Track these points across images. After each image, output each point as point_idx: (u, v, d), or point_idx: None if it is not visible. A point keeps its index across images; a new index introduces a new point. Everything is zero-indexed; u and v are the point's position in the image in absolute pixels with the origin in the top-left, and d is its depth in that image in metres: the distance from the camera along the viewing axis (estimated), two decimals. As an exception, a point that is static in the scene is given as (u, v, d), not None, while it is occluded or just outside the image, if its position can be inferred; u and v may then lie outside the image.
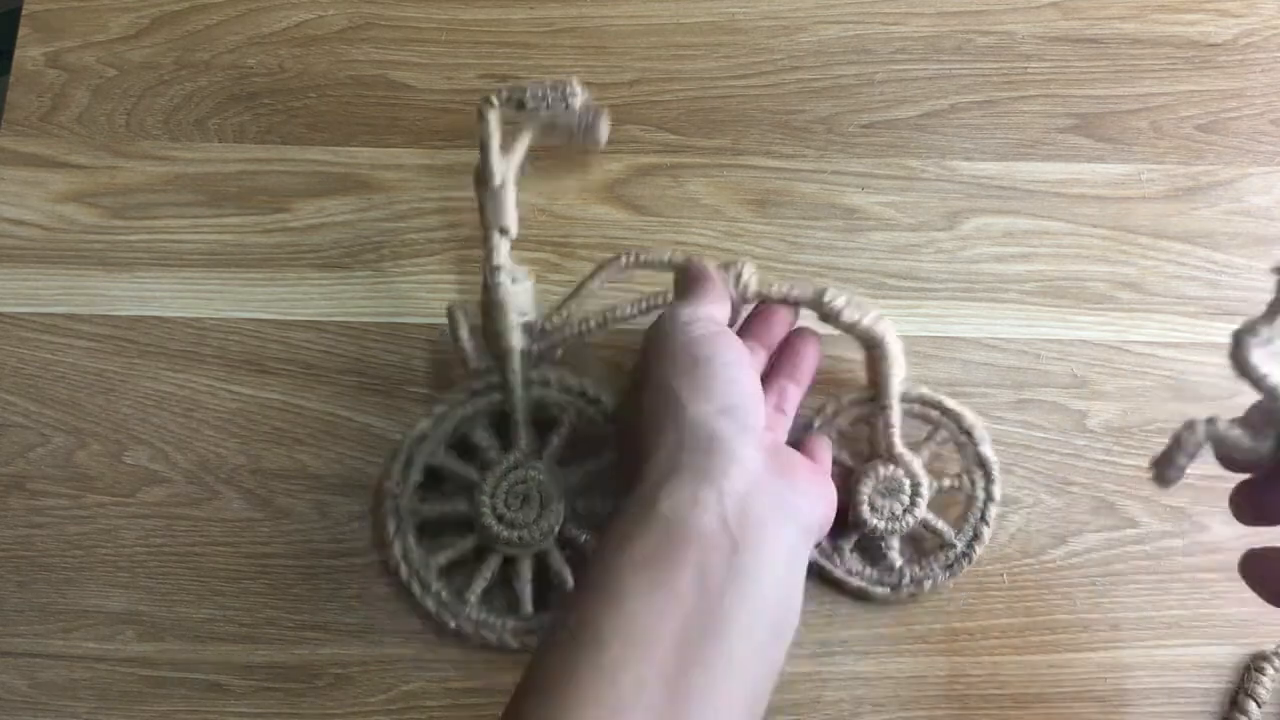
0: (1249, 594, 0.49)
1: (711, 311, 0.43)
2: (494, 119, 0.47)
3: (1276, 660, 0.48)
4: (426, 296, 0.53)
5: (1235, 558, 0.49)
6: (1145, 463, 0.51)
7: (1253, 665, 0.48)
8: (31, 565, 0.49)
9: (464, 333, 0.48)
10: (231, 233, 0.54)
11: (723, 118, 0.57)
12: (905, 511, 0.47)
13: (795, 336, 0.48)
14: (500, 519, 0.47)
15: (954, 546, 0.48)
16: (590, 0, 0.59)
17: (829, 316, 0.47)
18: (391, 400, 0.51)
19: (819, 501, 0.40)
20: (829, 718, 0.47)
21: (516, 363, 0.47)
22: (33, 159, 0.56)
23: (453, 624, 0.47)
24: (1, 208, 0.55)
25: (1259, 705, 0.47)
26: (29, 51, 0.58)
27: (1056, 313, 0.53)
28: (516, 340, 0.47)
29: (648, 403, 0.40)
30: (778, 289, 0.47)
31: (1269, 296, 0.53)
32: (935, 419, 0.49)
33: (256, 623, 0.49)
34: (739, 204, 0.55)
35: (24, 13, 0.59)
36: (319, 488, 0.50)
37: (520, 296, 0.47)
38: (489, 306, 0.47)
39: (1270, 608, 0.49)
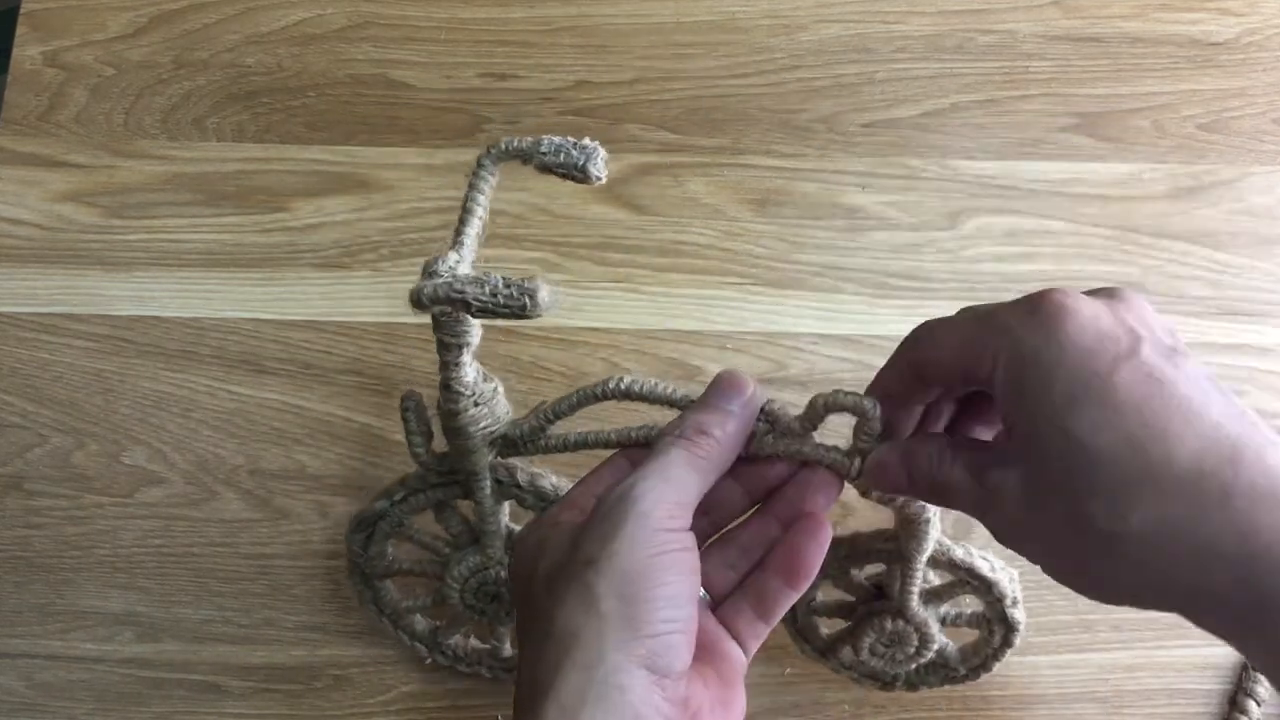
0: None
1: (685, 498, 0.33)
2: (492, 178, 0.36)
3: None
4: (425, 296, 0.53)
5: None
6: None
7: (1250, 664, 0.48)
8: (29, 566, 0.49)
9: (417, 440, 0.39)
10: (230, 232, 0.54)
11: (723, 117, 0.56)
12: (908, 659, 0.44)
13: (802, 531, 0.37)
14: (469, 606, 0.44)
15: (957, 671, 0.45)
16: (590, -1, 0.59)
17: (860, 490, 0.37)
18: (390, 400, 0.51)
19: None
20: (830, 718, 0.47)
21: (485, 483, 0.39)
22: (30, 158, 0.56)
23: (428, 660, 0.47)
24: (-1, 207, 0.55)
25: (1259, 704, 0.47)
26: (27, 50, 0.58)
27: (1058, 312, 0.53)
28: (483, 461, 0.39)
29: (560, 613, 0.32)
30: (797, 448, 0.36)
31: (1272, 295, 0.53)
32: (963, 577, 0.42)
33: (255, 624, 0.49)
34: (739, 203, 0.55)
35: (22, 11, 0.59)
36: (318, 488, 0.50)
37: (487, 412, 0.37)
38: (450, 431, 0.38)
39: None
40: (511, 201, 0.55)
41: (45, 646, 0.48)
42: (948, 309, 0.53)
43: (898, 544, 0.40)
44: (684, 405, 0.37)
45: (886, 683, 0.46)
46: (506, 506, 0.42)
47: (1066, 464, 0.29)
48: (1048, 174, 0.56)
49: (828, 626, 0.45)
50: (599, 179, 0.34)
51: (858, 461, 0.35)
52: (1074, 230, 0.55)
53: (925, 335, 0.34)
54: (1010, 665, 0.48)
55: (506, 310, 0.32)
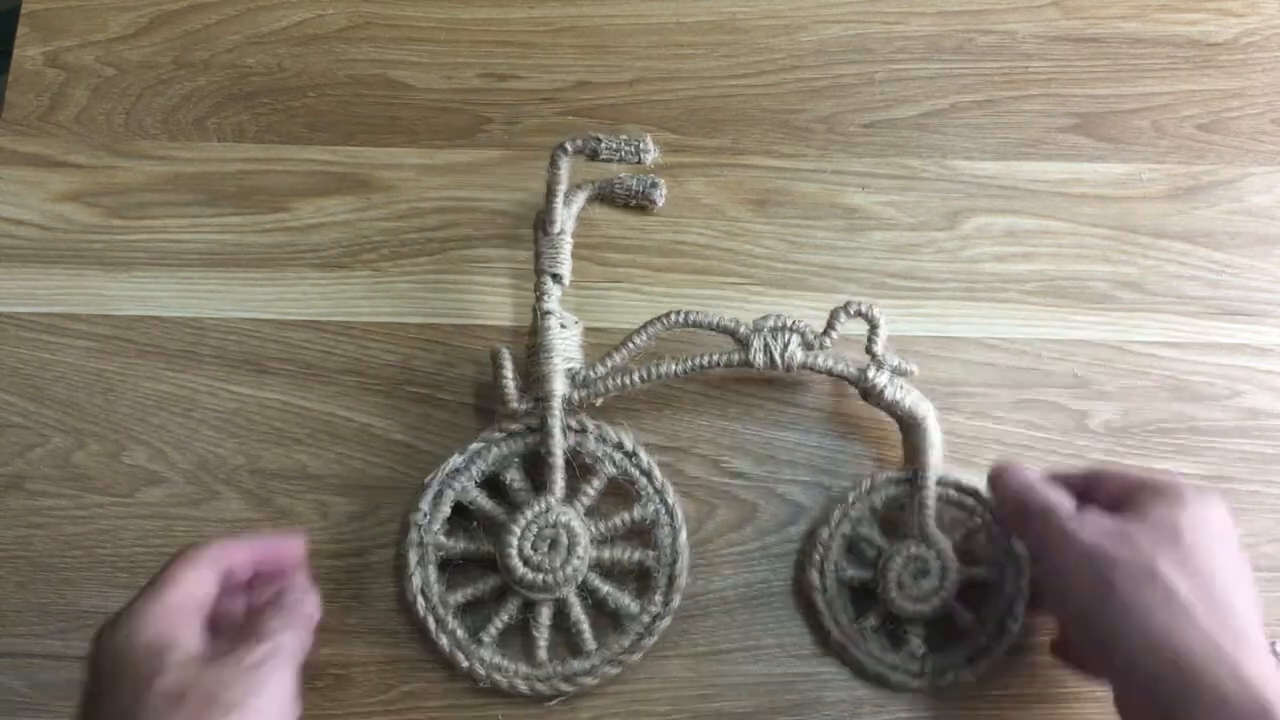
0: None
1: (180, 601, 0.40)
2: (565, 165, 0.46)
3: (1273, 657, 0.47)
4: (426, 296, 0.53)
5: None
6: (1146, 463, 0.51)
7: None
8: (30, 565, 0.49)
9: (507, 373, 0.47)
10: (230, 232, 0.54)
11: (723, 117, 0.57)
12: (933, 593, 0.46)
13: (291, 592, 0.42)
14: (525, 561, 0.46)
15: (980, 639, 0.47)
16: (590, -1, 0.59)
17: (869, 394, 0.47)
18: (391, 400, 0.51)
19: None
20: (829, 718, 0.47)
21: (558, 407, 0.47)
22: (31, 158, 0.56)
23: (465, 664, 0.47)
24: (0, 207, 0.55)
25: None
26: (28, 51, 0.58)
27: (1057, 313, 0.53)
28: (560, 386, 0.47)
29: None
30: (822, 361, 0.47)
31: (1271, 295, 0.53)
32: (970, 506, 0.48)
33: (255, 623, 0.49)
34: (739, 204, 0.55)
35: (23, 12, 0.59)
36: (318, 488, 0.50)
37: (568, 342, 0.47)
38: (535, 350, 0.47)
39: (1277, 605, 0.49)
40: (512, 201, 0.55)
41: (46, 646, 0.48)
42: (947, 309, 0.53)
43: (911, 480, 0.47)
44: (734, 332, 0.46)
45: (915, 675, 0.47)
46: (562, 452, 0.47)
47: None
48: (1047, 174, 0.56)
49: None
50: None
51: (870, 369, 0.46)
52: (1073, 230, 0.55)
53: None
54: (1010, 665, 0.48)
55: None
